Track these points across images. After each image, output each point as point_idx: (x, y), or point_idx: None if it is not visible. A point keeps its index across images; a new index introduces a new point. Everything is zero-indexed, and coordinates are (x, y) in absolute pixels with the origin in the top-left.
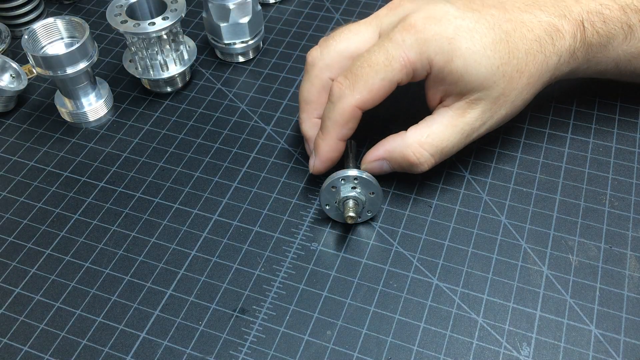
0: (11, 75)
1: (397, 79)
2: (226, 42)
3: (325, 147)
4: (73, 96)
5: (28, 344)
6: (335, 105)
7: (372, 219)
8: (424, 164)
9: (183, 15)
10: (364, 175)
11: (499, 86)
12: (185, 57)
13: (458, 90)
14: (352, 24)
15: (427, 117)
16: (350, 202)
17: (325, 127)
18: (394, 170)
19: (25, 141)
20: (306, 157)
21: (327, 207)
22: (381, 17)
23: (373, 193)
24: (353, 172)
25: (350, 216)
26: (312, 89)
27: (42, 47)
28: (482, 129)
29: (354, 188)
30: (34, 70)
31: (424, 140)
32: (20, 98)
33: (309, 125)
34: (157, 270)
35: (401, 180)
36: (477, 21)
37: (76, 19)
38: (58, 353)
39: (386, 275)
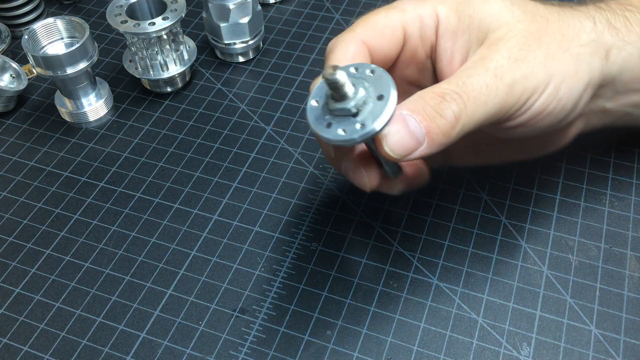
0: (11, 75)
1: (401, 20)
2: (226, 42)
3: None
4: (73, 96)
5: (28, 344)
6: (334, 48)
7: (373, 218)
8: (450, 101)
9: (183, 15)
10: (375, 68)
11: (521, 22)
12: (185, 57)
13: (474, 37)
14: None
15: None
16: (345, 87)
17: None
18: (430, 134)
19: (25, 141)
20: (306, 157)
21: (314, 104)
22: None
23: (382, 97)
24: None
25: (331, 67)
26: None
27: (42, 47)
28: (517, 72)
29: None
30: (34, 70)
31: (443, 87)
32: (20, 98)
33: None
34: (157, 270)
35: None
36: None
37: (76, 19)
38: (58, 353)
39: (386, 275)
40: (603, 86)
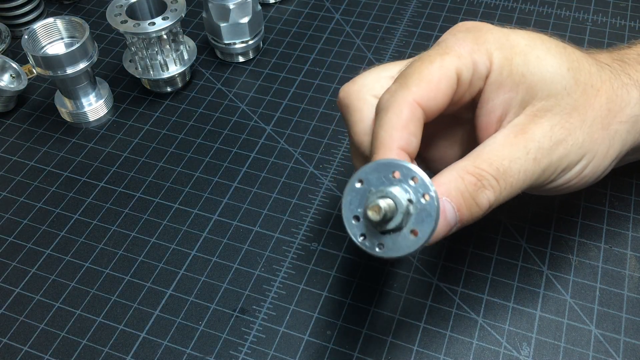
0: (11, 75)
1: (456, 68)
2: (226, 42)
3: None
4: (73, 96)
5: (28, 344)
6: (387, 108)
7: None
8: (487, 188)
9: (183, 15)
10: (411, 167)
11: (570, 95)
12: (185, 57)
13: (520, 98)
14: None
15: (480, 144)
16: (382, 202)
17: (378, 141)
18: (462, 221)
19: (25, 141)
20: (306, 157)
21: (354, 224)
22: None
23: (427, 197)
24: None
25: (375, 206)
26: (362, 122)
27: (42, 47)
28: (555, 154)
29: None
30: (34, 70)
31: (478, 162)
32: (20, 98)
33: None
34: (157, 270)
35: None
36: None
37: (76, 19)
38: (58, 353)
39: (386, 276)
40: (632, 150)
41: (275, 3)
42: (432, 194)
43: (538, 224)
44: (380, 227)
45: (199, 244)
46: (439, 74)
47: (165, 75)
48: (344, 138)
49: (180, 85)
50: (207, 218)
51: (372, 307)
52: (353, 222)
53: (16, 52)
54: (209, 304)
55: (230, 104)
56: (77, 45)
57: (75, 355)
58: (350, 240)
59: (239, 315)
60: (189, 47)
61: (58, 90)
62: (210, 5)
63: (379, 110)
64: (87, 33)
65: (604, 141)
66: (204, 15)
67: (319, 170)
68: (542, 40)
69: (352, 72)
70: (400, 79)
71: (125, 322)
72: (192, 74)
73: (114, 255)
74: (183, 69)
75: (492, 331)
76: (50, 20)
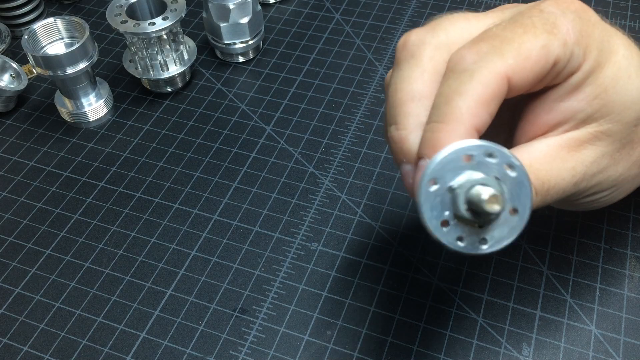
0: (11, 75)
1: (557, 55)
2: (226, 42)
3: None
4: (73, 96)
5: (28, 344)
6: (474, 73)
7: (373, 218)
8: None
9: (183, 15)
10: (515, 163)
11: (634, 128)
12: (185, 57)
13: (589, 111)
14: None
15: (524, 143)
16: (484, 189)
17: (452, 110)
18: None
19: (25, 141)
20: (306, 157)
21: (445, 231)
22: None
23: (512, 167)
24: (472, 143)
25: (493, 196)
26: (423, 76)
27: (42, 47)
28: (592, 181)
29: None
30: (34, 70)
31: (527, 167)
32: (20, 98)
33: (417, 136)
34: (157, 270)
35: (400, 181)
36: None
37: (76, 19)
38: (58, 353)
39: (386, 275)
40: None
41: (275, 3)
42: (516, 162)
43: (538, 224)
44: (485, 219)
45: (199, 244)
46: (539, 54)
47: (165, 75)
48: (344, 138)
49: (180, 85)
50: (207, 218)
51: (372, 307)
52: (443, 229)
53: (16, 52)
54: (209, 304)
55: (230, 104)
56: (77, 45)
57: (75, 355)
58: (439, 246)
59: (239, 315)
60: (189, 47)
61: (58, 90)
62: (210, 5)
63: (459, 71)
64: (87, 33)
65: (634, 179)
66: (204, 15)
67: (319, 170)
68: (637, 54)
69: (352, 72)
70: (494, 41)
71: (125, 322)
72: (192, 74)
73: (114, 255)
74: (183, 69)
75: (492, 331)
76: (50, 20)
